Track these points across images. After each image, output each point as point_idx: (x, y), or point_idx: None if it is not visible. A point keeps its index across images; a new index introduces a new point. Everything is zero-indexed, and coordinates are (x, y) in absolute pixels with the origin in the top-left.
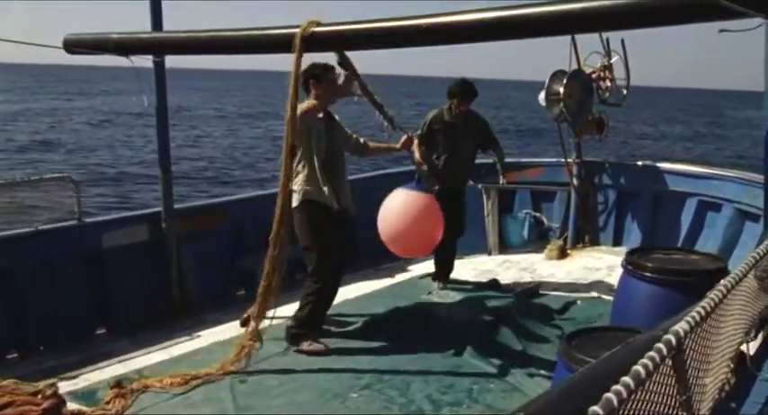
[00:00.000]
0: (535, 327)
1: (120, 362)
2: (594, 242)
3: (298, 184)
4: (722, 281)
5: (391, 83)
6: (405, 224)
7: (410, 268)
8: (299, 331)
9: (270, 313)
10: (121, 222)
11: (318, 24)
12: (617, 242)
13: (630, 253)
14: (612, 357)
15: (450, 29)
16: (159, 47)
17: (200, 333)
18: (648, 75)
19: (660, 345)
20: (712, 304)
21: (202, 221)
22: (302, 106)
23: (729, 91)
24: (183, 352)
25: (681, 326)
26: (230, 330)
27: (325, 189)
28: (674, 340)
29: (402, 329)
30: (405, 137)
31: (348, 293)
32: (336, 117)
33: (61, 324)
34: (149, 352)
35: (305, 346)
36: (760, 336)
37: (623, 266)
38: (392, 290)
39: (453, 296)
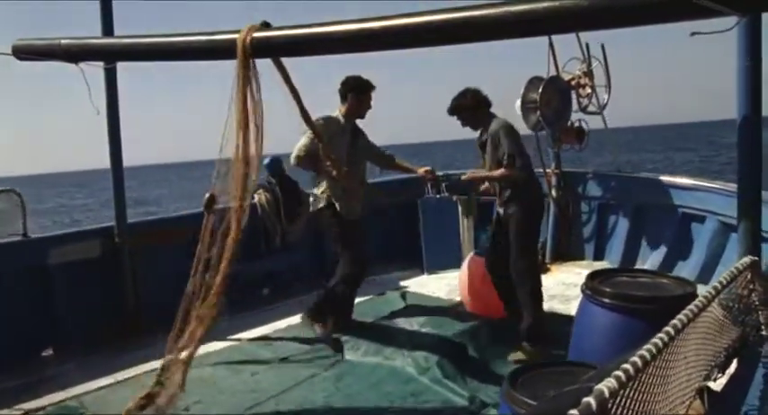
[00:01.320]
0: (504, 349)
1: (61, 387)
2: (575, 256)
3: (320, 189)
4: (674, 320)
5: None
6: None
7: (377, 284)
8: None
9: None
10: (71, 237)
11: (262, 28)
12: (598, 256)
13: (591, 277)
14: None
15: (404, 32)
16: (102, 53)
17: (154, 355)
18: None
19: (574, 413)
20: (654, 350)
21: (159, 236)
22: (327, 115)
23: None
24: (129, 376)
25: (606, 384)
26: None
27: (340, 195)
28: (594, 405)
29: (359, 351)
30: (423, 169)
31: None
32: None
33: (5, 345)
34: (96, 376)
35: (317, 328)
36: (727, 374)
37: (582, 291)
38: (358, 308)
39: (419, 316)
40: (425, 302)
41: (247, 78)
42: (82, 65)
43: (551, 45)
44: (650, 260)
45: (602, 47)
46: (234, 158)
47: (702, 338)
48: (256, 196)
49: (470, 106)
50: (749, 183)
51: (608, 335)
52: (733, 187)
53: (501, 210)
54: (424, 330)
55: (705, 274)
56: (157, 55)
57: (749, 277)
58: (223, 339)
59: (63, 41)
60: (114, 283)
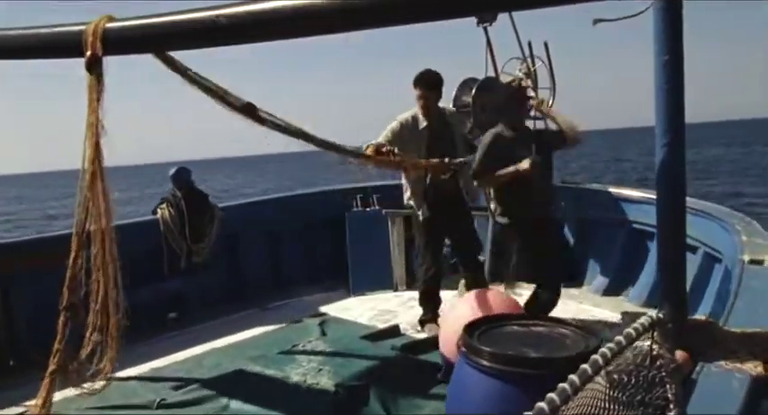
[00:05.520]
0: (416, 396)
1: None
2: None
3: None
4: None
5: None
6: None
7: (297, 308)
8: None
9: None
10: None
11: (112, 19)
12: None
13: (471, 327)
14: None
15: (269, 20)
16: None
17: (26, 395)
18: None
19: None
20: None
21: (40, 259)
22: (403, 115)
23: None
24: None
25: None
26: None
27: (415, 200)
28: None
29: (247, 395)
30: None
31: (220, 340)
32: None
33: None
34: None
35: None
36: None
37: (458, 346)
38: (269, 337)
39: (326, 349)
40: (342, 331)
41: (99, 81)
42: None
43: (489, 42)
44: (597, 279)
45: (546, 45)
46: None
47: None
48: (159, 211)
49: None
50: (671, 205)
51: (486, 407)
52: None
53: None
54: (325, 368)
55: (656, 296)
56: None
57: (652, 339)
58: (104, 376)
59: None
60: None
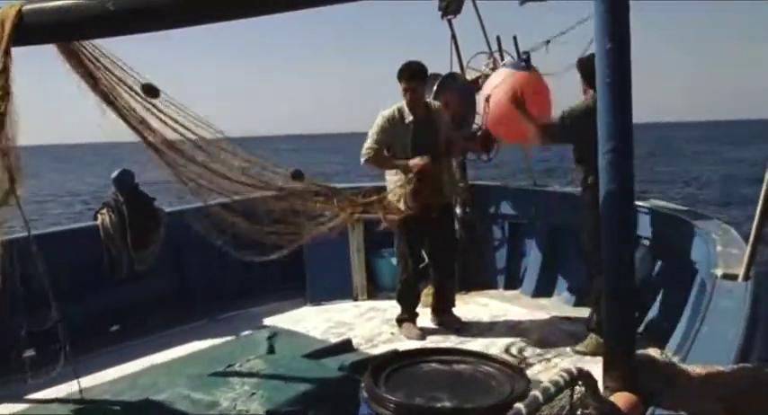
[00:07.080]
0: None
1: None
2: (484, 284)
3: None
4: None
5: None
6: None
7: (249, 318)
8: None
9: None
10: None
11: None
12: (510, 284)
13: (378, 366)
14: None
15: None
16: None
17: None
18: None
19: None
20: None
21: None
22: (387, 110)
23: None
24: None
25: None
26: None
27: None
28: None
29: None
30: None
31: (164, 353)
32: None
33: None
34: None
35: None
36: None
37: (361, 391)
38: (214, 352)
39: (269, 367)
40: (291, 346)
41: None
42: None
43: (453, 36)
44: (566, 290)
45: (515, 39)
46: None
47: None
48: (99, 216)
49: None
50: (617, 229)
51: None
52: (658, 204)
53: None
54: (258, 392)
55: None
56: None
57: (571, 401)
58: (26, 399)
59: None
60: None
